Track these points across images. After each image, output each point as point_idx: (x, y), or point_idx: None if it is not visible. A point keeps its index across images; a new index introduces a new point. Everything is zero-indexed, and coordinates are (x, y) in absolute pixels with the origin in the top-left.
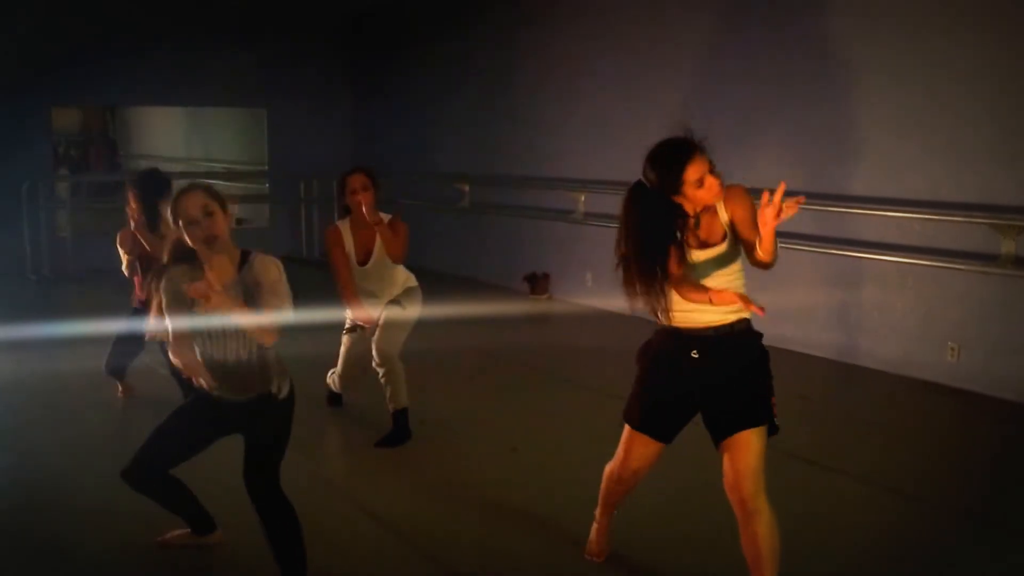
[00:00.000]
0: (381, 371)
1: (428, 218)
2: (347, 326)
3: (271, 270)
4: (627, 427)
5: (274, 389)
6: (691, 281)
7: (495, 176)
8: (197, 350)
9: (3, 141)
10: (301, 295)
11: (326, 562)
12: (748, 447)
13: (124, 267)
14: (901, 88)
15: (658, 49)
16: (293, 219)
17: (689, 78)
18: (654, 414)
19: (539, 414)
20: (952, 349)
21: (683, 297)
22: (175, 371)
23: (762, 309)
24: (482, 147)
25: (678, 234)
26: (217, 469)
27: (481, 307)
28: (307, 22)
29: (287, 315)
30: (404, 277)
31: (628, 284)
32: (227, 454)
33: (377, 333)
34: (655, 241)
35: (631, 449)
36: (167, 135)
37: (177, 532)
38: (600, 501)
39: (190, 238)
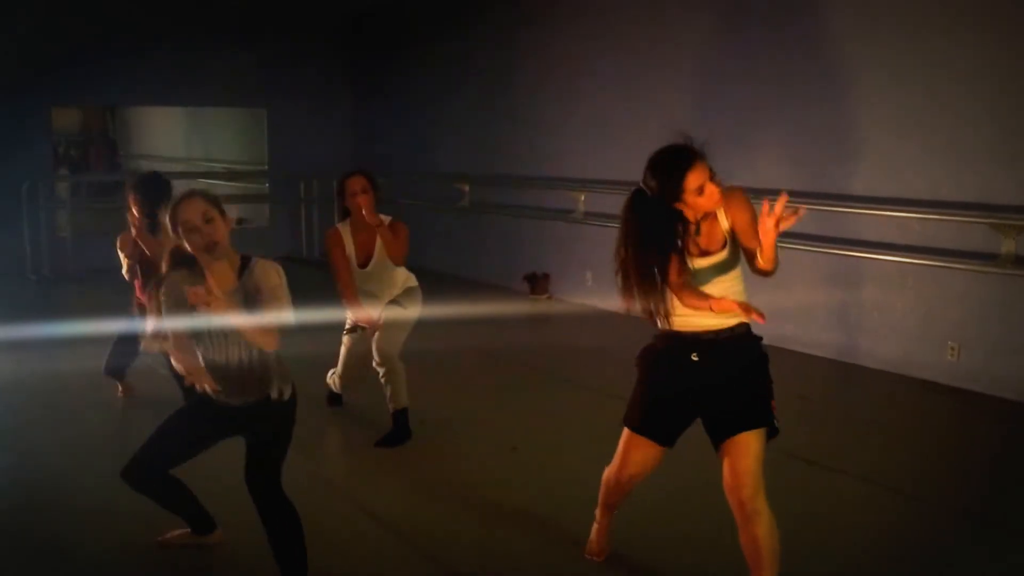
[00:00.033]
0: (381, 371)
1: (428, 218)
2: (347, 326)
3: (271, 275)
4: (626, 432)
5: (275, 394)
6: (692, 288)
7: (495, 176)
8: (199, 355)
9: (3, 141)
10: (301, 295)
11: (326, 562)
12: (747, 449)
13: (124, 271)
14: (901, 88)
15: (658, 49)
16: (293, 219)
17: (689, 78)
18: (654, 413)
19: (539, 414)
20: (952, 349)
21: (684, 304)
22: (176, 374)
23: (762, 316)
24: (482, 147)
25: (679, 242)
26: (217, 468)
27: (481, 307)
28: (307, 22)
29: (287, 320)
30: (404, 277)
31: (627, 290)
32: (227, 454)
33: (377, 333)
34: (655, 248)
35: (629, 455)
36: (167, 135)
37: (177, 532)
38: (600, 502)
39: (190, 245)
